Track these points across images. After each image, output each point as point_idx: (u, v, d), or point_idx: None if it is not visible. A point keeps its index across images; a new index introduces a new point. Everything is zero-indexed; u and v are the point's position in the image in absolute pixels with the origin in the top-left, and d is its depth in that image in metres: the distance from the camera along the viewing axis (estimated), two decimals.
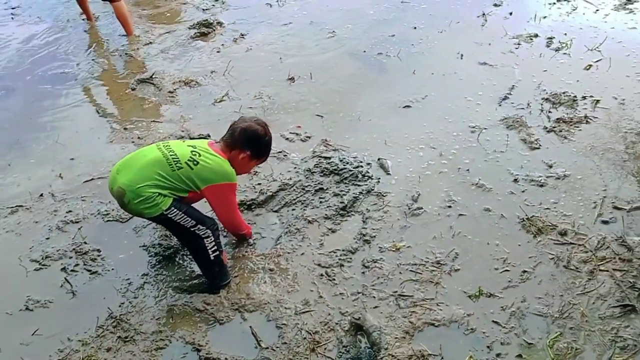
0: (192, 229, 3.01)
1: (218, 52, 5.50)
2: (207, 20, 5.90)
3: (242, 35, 5.70)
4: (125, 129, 4.49)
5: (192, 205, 3.10)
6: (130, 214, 3.15)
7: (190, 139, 4.13)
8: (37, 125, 4.63)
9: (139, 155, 3.08)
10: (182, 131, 4.38)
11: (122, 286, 3.24)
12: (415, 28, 5.68)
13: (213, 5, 6.37)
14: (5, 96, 5.09)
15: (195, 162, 2.98)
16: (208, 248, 3.06)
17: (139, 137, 4.38)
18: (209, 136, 4.29)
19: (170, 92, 4.91)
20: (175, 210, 2.95)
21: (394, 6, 6.12)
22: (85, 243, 3.50)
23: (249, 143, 3.14)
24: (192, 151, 3.03)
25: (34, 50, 5.74)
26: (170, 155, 2.99)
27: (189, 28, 5.90)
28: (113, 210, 3.70)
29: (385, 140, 4.24)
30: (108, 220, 3.67)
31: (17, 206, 3.79)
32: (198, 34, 5.77)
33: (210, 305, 3.07)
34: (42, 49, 5.76)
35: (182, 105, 4.78)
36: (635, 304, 2.97)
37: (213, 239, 3.06)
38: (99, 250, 3.47)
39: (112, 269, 3.35)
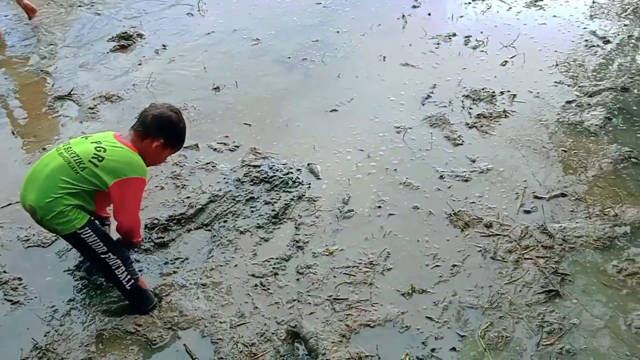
0: (102, 256, 2.86)
1: (139, 64, 5.36)
2: (126, 32, 5.74)
3: (164, 46, 5.58)
4: (43, 149, 4.30)
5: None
6: (48, 230, 2.93)
7: None
8: None
9: (40, 165, 2.87)
10: None
11: (46, 314, 3.09)
12: (338, 32, 5.74)
13: (132, 16, 6.20)
14: None
15: (100, 159, 2.78)
16: (121, 279, 2.93)
17: None
18: None
19: (90, 108, 4.74)
20: (89, 231, 2.81)
21: (316, 11, 6.16)
22: (4, 272, 3.32)
23: (162, 130, 2.95)
24: (96, 147, 2.82)
25: None
26: (72, 157, 2.79)
27: (108, 41, 5.72)
28: (34, 235, 3.53)
29: (313, 145, 4.26)
30: (29, 246, 3.50)
31: None
32: (117, 47, 5.60)
33: (141, 327, 2.98)
34: None
35: (104, 121, 4.62)
36: (559, 288, 3.10)
37: (124, 269, 2.92)
38: (20, 279, 3.30)
39: (35, 297, 3.19)
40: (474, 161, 4.04)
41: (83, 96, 4.89)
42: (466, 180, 3.87)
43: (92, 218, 2.88)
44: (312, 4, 6.28)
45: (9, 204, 3.79)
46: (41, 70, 5.29)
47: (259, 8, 6.27)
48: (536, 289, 3.12)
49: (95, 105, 4.76)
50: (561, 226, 3.48)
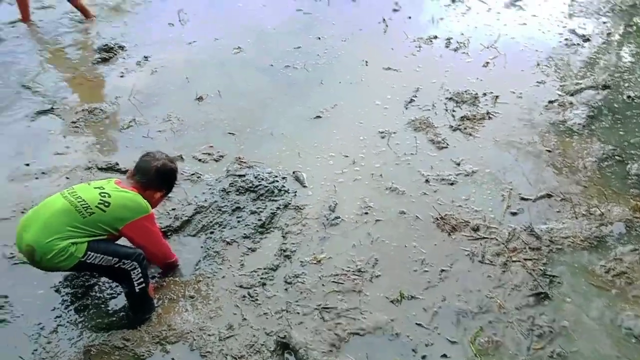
0: (116, 266, 2.90)
1: (122, 76, 5.32)
2: (107, 44, 5.70)
3: (146, 57, 5.54)
4: (27, 164, 4.24)
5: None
6: (45, 270, 2.95)
7: (100, 169, 3.98)
8: None
9: (43, 207, 2.91)
10: (89, 162, 4.20)
11: (33, 332, 3.05)
12: (319, 39, 5.75)
13: (113, 28, 6.16)
14: None
15: (106, 204, 2.88)
16: (134, 280, 2.95)
17: (42, 172, 4.15)
18: (117, 164, 4.17)
19: (73, 122, 4.70)
20: (92, 254, 2.83)
21: (297, 18, 6.17)
22: None
23: (166, 182, 3.15)
24: (100, 193, 2.91)
25: None
26: (79, 202, 2.86)
27: (89, 53, 5.67)
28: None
29: (298, 153, 4.25)
30: (14, 264, 3.45)
31: None
32: (99, 59, 5.55)
33: (130, 342, 2.95)
34: None
35: (88, 134, 4.58)
36: (547, 290, 3.12)
37: (140, 271, 2.95)
38: (5, 297, 3.25)
39: (22, 315, 3.15)
40: (459, 164, 4.05)
41: (65, 110, 4.84)
42: (452, 184, 3.89)
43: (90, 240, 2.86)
44: (293, 11, 6.29)
45: None
46: (22, 85, 5.22)
47: (240, 17, 6.26)
48: (525, 292, 3.14)
49: (78, 119, 4.71)
50: (548, 227, 3.51)
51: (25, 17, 6.20)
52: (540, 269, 3.26)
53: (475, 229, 3.53)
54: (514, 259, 3.33)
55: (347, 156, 4.20)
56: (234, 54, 5.56)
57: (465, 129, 4.39)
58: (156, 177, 3.07)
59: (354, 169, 4.09)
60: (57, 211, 2.83)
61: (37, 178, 4.13)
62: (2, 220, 3.77)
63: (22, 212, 3.74)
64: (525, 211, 3.67)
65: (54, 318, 3.12)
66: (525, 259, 3.32)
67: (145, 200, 3.01)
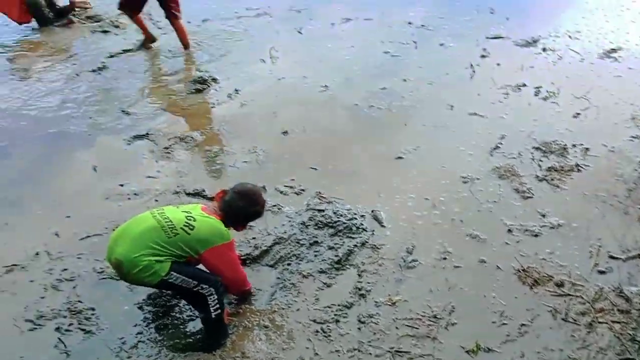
0: (194, 289, 3.00)
1: (213, 107, 5.59)
2: (201, 77, 6.01)
3: (237, 90, 5.80)
4: (121, 185, 4.51)
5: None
6: (131, 283, 3.12)
7: (188, 194, 4.16)
8: (35, 183, 4.65)
9: (134, 224, 3.09)
10: (178, 187, 4.41)
11: (116, 345, 3.19)
12: (405, 80, 5.81)
13: (208, 61, 6.51)
14: (7, 154, 5.11)
15: (191, 227, 3.01)
16: (210, 306, 3.04)
17: (135, 194, 4.40)
18: (204, 191, 4.34)
19: (165, 147, 4.96)
20: (174, 274, 2.95)
21: (384, 60, 6.27)
22: (79, 302, 3.47)
23: (248, 220, 3.29)
24: (186, 217, 3.05)
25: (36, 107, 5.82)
26: (166, 222, 3.01)
27: (184, 84, 6.01)
28: (108, 267, 3.67)
29: (378, 192, 4.27)
30: (103, 278, 3.65)
31: (12, 265, 3.77)
32: (193, 90, 5.87)
33: None
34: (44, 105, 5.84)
35: (178, 160, 4.82)
36: (636, 357, 2.95)
37: (216, 297, 3.04)
38: (93, 309, 3.43)
39: (107, 328, 3.31)
40: (544, 215, 3.94)
41: (159, 136, 5.13)
42: (536, 235, 3.77)
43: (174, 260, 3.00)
44: (380, 53, 6.41)
45: (87, 237, 3.97)
46: (122, 111, 5.59)
47: (329, 56, 6.44)
48: (611, 356, 2.97)
49: (170, 145, 4.98)
50: (639, 290, 3.32)
51: (149, 37, 6.73)
52: (629, 334, 3.08)
53: (560, 285, 3.40)
54: (600, 320, 3.17)
55: (427, 199, 4.18)
56: (321, 91, 5.72)
57: (552, 180, 4.27)
58: (241, 214, 3.19)
59: (434, 212, 4.06)
60: (146, 228, 2.99)
61: (129, 198, 4.37)
62: (95, 236, 4.01)
63: (114, 230, 3.96)
64: (615, 270, 3.49)
65: (135, 334, 3.26)
66: (612, 321, 3.15)
67: (226, 228, 3.12)
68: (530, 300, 3.32)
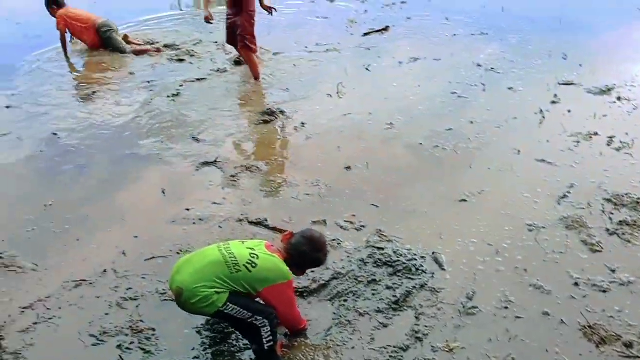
0: (248, 320, 3.06)
1: (279, 139, 5.73)
2: (270, 109, 6.18)
3: (303, 124, 5.92)
4: (187, 209, 4.66)
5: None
6: (189, 312, 3.19)
7: (251, 222, 4.26)
8: (107, 202, 4.88)
9: (199, 255, 3.20)
10: (242, 215, 4.52)
11: None
12: (472, 123, 5.76)
13: (277, 94, 6.69)
14: (82, 173, 5.39)
15: (253, 265, 3.09)
16: (263, 338, 3.08)
17: (200, 219, 4.53)
18: (266, 220, 4.42)
19: (232, 175, 5.10)
20: (231, 305, 3.03)
21: (451, 100, 6.26)
22: (141, 321, 3.58)
23: (310, 265, 3.37)
24: (250, 254, 3.14)
25: (111, 128, 6.14)
26: (230, 257, 3.10)
27: (253, 115, 6.19)
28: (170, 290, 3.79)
29: (440, 234, 4.23)
30: (165, 300, 3.75)
31: (81, 280, 3.94)
32: (261, 121, 6.03)
33: None
34: (119, 128, 6.15)
35: (243, 189, 4.95)
36: None
37: (269, 329, 3.08)
38: (154, 329, 3.53)
39: (165, 349, 3.40)
40: (614, 271, 3.78)
41: (227, 164, 5.28)
42: (604, 291, 3.62)
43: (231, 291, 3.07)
44: (448, 93, 6.40)
45: (153, 258, 4.11)
46: (192, 137, 5.81)
47: (395, 94, 6.49)
48: None
49: (237, 174, 5.11)
50: None
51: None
52: None
53: (628, 346, 3.24)
54: None
55: (490, 245, 4.10)
56: (386, 129, 5.75)
57: (623, 234, 4.11)
58: (304, 258, 3.26)
59: (497, 259, 3.97)
60: (210, 262, 3.10)
61: (194, 223, 4.51)
62: (160, 257, 4.14)
63: (178, 253, 4.10)
64: None
65: (192, 358, 3.32)
66: None
67: (287, 268, 3.20)
68: (596, 359, 3.17)
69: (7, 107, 6.78)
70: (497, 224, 4.31)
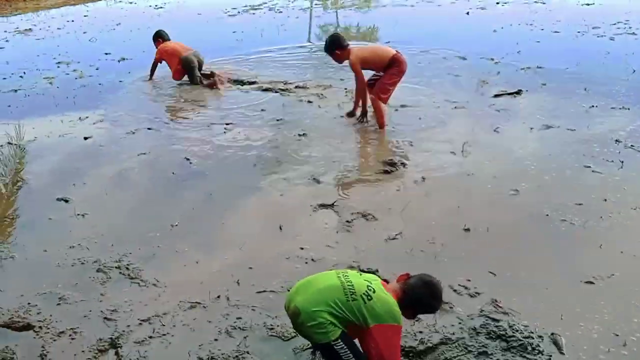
0: None
1: (398, 190, 5.71)
2: (392, 159, 6.21)
3: (424, 178, 5.88)
4: (301, 248, 4.75)
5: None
6: (301, 334, 3.25)
7: (362, 271, 4.24)
8: (227, 231, 5.11)
9: (320, 278, 3.27)
10: (353, 262, 4.53)
11: None
12: (606, 200, 5.40)
13: (400, 145, 6.71)
14: (207, 201, 5.71)
15: (369, 297, 3.09)
16: None
17: (312, 259, 4.60)
18: (377, 271, 4.39)
19: (347, 221, 5.15)
20: (341, 343, 3.05)
21: (584, 174, 5.90)
22: (247, 352, 3.66)
23: (423, 310, 3.33)
24: (367, 286, 3.15)
25: (231, 159, 6.49)
26: (348, 285, 3.13)
27: (375, 163, 6.26)
28: (278, 325, 3.86)
29: (561, 314, 3.96)
30: (272, 335, 3.82)
31: (196, 302, 4.13)
32: (382, 170, 6.07)
33: None
34: (240, 158, 6.48)
35: (357, 235, 4.97)
36: None
37: None
38: None
39: None
40: None
41: (344, 209, 5.35)
42: None
43: (344, 331, 3.08)
44: (580, 165, 6.06)
45: (264, 291, 4.22)
46: (313, 179, 5.96)
47: (522, 160, 6.24)
48: None
49: (352, 220, 5.16)
50: None
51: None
52: None
53: None
54: None
55: (616, 335, 3.77)
56: (510, 195, 5.54)
57: None
58: (420, 304, 3.24)
59: (622, 352, 3.64)
60: (329, 286, 3.15)
61: (306, 263, 4.59)
62: (271, 292, 4.25)
63: (288, 290, 4.16)
64: None
65: None
66: None
67: (399, 312, 3.15)
68: None
69: (149, 128, 7.48)
70: (626, 313, 3.97)
